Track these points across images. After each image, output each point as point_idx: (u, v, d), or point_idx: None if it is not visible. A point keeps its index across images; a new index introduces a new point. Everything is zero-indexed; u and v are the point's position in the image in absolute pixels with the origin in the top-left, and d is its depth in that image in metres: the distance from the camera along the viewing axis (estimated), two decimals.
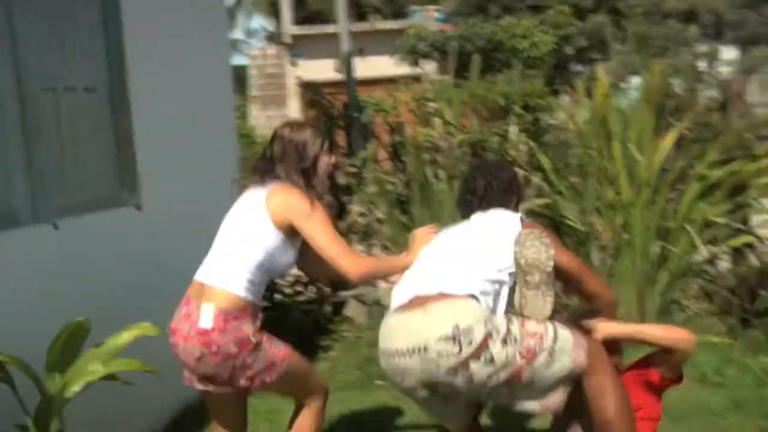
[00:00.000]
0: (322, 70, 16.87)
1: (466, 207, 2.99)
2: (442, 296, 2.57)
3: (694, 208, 5.06)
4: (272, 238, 2.71)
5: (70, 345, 2.76)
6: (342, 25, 5.68)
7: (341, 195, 5.79)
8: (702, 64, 11.63)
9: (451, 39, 12.68)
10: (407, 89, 5.97)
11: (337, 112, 5.72)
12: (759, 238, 5.16)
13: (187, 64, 4.14)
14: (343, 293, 5.73)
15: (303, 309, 5.59)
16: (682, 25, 11.78)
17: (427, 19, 15.96)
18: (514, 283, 2.68)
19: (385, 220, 5.62)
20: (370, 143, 5.84)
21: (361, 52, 15.24)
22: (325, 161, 2.85)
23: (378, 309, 5.81)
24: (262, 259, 2.71)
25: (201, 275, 2.77)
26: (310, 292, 5.76)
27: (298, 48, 17.44)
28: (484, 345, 2.48)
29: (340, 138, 5.85)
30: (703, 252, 4.97)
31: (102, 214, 3.53)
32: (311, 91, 5.81)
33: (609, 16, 12.93)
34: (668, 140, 5.12)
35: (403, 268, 2.83)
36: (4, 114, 3.00)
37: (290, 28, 17.17)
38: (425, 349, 2.50)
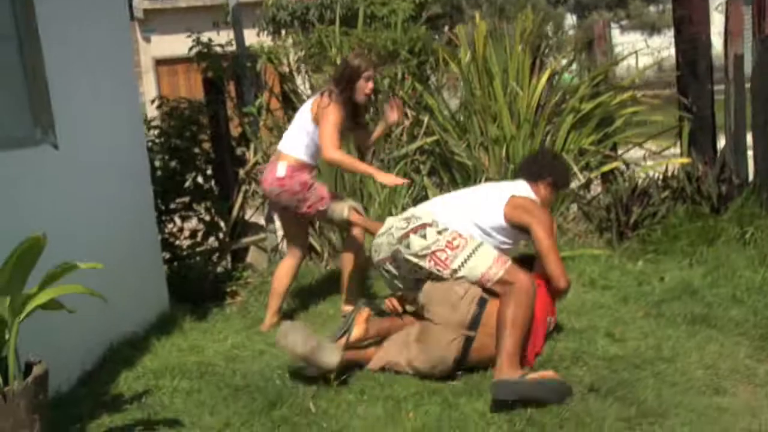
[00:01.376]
0: (178, 45, 16.55)
1: (516, 172, 3.94)
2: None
3: (569, 139, 5.54)
4: (311, 126, 4.16)
5: (22, 263, 2.76)
6: None
7: (238, 144, 5.87)
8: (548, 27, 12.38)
9: (311, 8, 12.80)
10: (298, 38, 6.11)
11: (226, 63, 5.76)
12: (626, 162, 5.72)
13: (89, 8, 4.12)
14: (244, 240, 5.83)
15: (204, 259, 5.64)
16: None
17: None
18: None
19: None
20: (262, 92, 5.93)
21: (216, 25, 15.13)
22: (362, 84, 4.12)
23: (276, 255, 5.96)
24: (308, 138, 4.19)
25: (280, 145, 4.30)
26: (209, 244, 5.82)
27: (151, 23, 16.98)
28: (422, 226, 3.48)
29: (231, 88, 5.89)
30: (580, 177, 5.45)
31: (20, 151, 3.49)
32: (200, 44, 5.79)
33: None
34: (543, 78, 5.57)
35: (364, 172, 4.30)
36: None
37: (142, 3, 16.66)
38: (390, 227, 3.65)
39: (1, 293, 2.78)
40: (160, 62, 16.97)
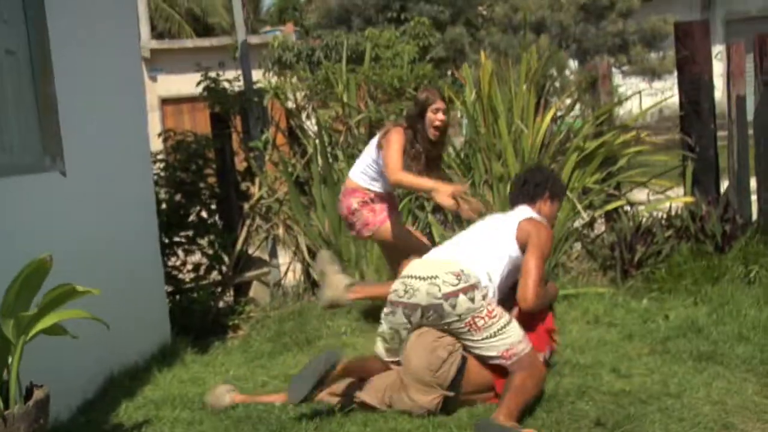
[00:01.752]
0: (183, 84, 16.71)
1: (510, 201, 3.87)
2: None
3: (573, 177, 5.56)
4: (375, 152, 4.23)
5: (28, 284, 2.75)
6: (236, 11, 5.81)
7: (243, 178, 5.90)
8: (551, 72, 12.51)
9: (316, 49, 12.97)
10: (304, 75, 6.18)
11: (233, 98, 5.82)
12: (629, 202, 5.73)
13: (100, 35, 4.18)
14: (247, 274, 5.83)
15: (207, 293, 5.62)
16: (533, 35, 12.65)
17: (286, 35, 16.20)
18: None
19: (286, 201, 5.77)
20: (269, 128, 5.98)
21: (222, 65, 15.31)
22: (430, 115, 4.15)
23: (279, 290, 5.95)
24: (366, 163, 4.32)
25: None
26: (212, 278, 5.81)
27: (157, 63, 17.17)
28: (472, 288, 3.31)
29: (237, 123, 5.94)
30: (583, 216, 5.46)
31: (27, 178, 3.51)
32: (208, 78, 5.86)
33: (466, 27, 13.69)
34: (547, 117, 5.61)
35: (428, 190, 3.98)
36: None
37: (148, 43, 16.88)
38: (436, 277, 3.33)
39: (7, 315, 2.77)
40: (165, 101, 17.13)
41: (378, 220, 4.33)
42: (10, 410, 2.67)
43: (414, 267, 3.47)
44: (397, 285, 3.45)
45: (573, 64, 14.23)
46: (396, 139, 4.07)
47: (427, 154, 4.22)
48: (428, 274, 3.35)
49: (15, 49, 3.57)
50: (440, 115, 4.17)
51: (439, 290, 3.29)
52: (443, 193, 3.81)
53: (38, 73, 3.67)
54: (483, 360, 3.37)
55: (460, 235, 3.73)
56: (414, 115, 4.20)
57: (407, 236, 4.47)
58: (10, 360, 2.78)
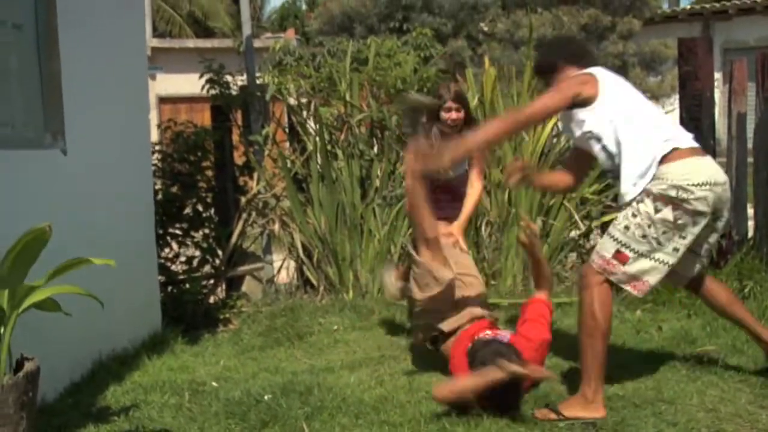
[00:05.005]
0: (182, 84, 16.66)
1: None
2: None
3: None
4: None
5: (26, 255, 2.72)
6: (244, 6, 5.82)
7: (241, 172, 5.88)
8: None
9: (317, 55, 12.97)
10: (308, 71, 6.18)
11: (235, 92, 5.81)
12: None
13: (108, 18, 4.17)
14: (240, 269, 5.79)
15: (198, 285, 5.59)
16: (534, 53, 12.68)
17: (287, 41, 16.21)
18: None
19: (283, 197, 5.75)
20: (269, 123, 5.96)
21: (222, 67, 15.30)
22: (443, 114, 4.15)
23: (272, 286, 5.92)
24: None
25: None
26: (205, 271, 5.78)
27: (157, 61, 17.13)
28: None
29: (238, 117, 5.93)
30: (581, 226, 5.46)
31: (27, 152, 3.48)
32: (211, 71, 5.84)
33: (467, 41, 13.74)
34: (549, 125, 5.62)
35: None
36: None
37: (150, 40, 16.85)
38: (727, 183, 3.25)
39: (1, 285, 2.73)
40: (163, 100, 17.07)
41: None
42: None
43: (717, 171, 3.27)
44: (711, 192, 3.16)
45: None
46: (413, 146, 4.12)
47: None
48: (725, 180, 3.30)
49: (22, 23, 3.55)
50: (452, 114, 4.16)
51: (728, 196, 3.32)
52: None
53: (44, 49, 3.65)
54: None
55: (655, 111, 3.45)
56: (432, 111, 4.24)
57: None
58: (2, 331, 2.75)
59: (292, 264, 5.91)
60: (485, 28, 14.50)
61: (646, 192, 3.15)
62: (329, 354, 4.37)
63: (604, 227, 5.75)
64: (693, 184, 3.13)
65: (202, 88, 5.87)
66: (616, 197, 5.71)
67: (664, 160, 3.16)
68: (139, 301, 4.53)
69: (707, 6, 16.89)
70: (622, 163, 3.21)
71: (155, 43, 16.99)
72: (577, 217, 5.39)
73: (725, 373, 3.68)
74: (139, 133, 4.64)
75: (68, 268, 2.80)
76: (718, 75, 15.32)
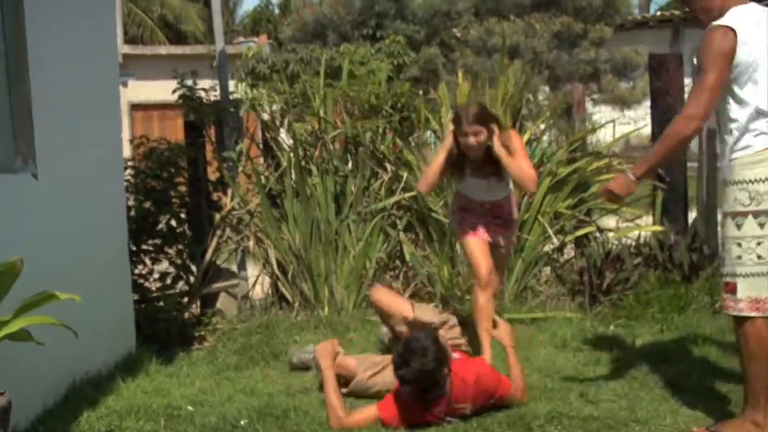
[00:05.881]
0: (154, 91, 16.53)
1: None
2: None
3: (545, 202, 5.60)
4: None
5: None
6: (216, 20, 5.78)
7: (215, 188, 5.85)
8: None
9: (290, 62, 12.94)
10: (282, 88, 6.17)
11: (208, 108, 5.77)
12: (599, 228, 5.79)
13: (79, 38, 4.12)
14: (215, 285, 5.76)
15: (173, 303, 5.55)
16: (507, 60, 12.76)
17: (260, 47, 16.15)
18: None
19: (258, 213, 5.73)
20: (243, 139, 5.94)
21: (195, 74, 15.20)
22: (461, 139, 4.00)
23: (247, 303, 5.89)
24: None
25: None
26: (179, 287, 5.73)
27: (128, 68, 16.98)
28: None
29: (212, 133, 5.89)
30: (554, 241, 5.49)
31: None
32: (184, 86, 5.81)
33: (440, 48, 13.77)
34: (523, 140, 5.64)
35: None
36: None
37: (121, 47, 16.70)
38: None
39: None
40: (135, 107, 16.94)
41: (461, 232, 4.29)
42: None
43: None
44: None
45: (544, 90, 14.39)
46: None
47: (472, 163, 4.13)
48: None
49: None
50: (470, 140, 3.96)
51: None
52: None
53: (13, 71, 3.60)
54: None
55: None
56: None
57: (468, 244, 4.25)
58: None
59: (267, 280, 5.88)
60: (458, 35, 14.55)
61: None
62: (305, 374, 4.35)
63: (577, 242, 5.81)
64: None
65: (175, 103, 5.82)
66: (589, 212, 5.79)
67: None
68: (113, 320, 4.49)
69: (677, 12, 17.09)
70: None
71: (127, 49, 16.83)
72: (550, 231, 5.43)
73: (698, 391, 3.73)
74: (112, 148, 4.59)
75: (34, 305, 2.76)
76: (688, 81, 15.52)
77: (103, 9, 4.54)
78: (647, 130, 5.97)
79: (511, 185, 4.26)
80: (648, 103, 5.81)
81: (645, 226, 5.78)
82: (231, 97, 5.95)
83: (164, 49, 17.44)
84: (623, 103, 14.43)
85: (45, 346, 2.91)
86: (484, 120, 4.00)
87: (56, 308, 2.81)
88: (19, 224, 3.48)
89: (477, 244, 4.18)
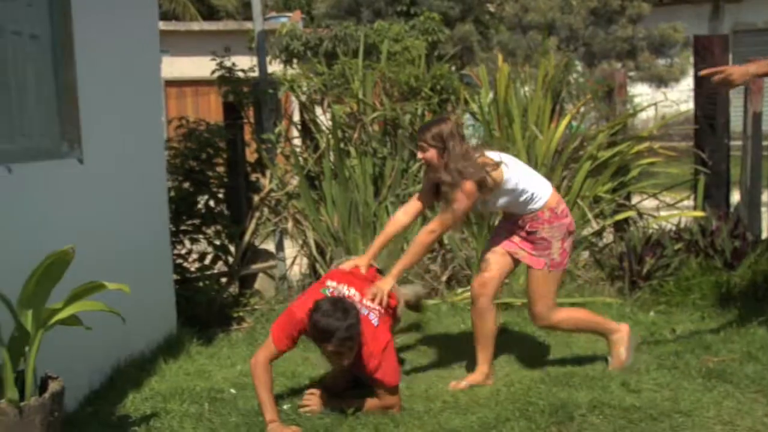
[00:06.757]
0: (187, 67, 16.59)
1: None
2: None
3: (584, 186, 5.55)
4: None
5: (49, 276, 2.73)
6: (255, 2, 5.77)
7: (254, 170, 5.87)
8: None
9: (324, 39, 12.90)
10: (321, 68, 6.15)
11: (248, 90, 5.78)
12: (640, 213, 5.73)
13: (123, 21, 4.15)
14: (253, 266, 5.80)
15: (212, 283, 5.61)
16: (542, 37, 12.62)
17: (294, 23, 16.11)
18: None
19: (296, 195, 5.74)
20: (281, 120, 5.94)
21: (228, 50, 15.22)
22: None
23: (284, 283, 5.93)
24: None
25: None
26: (218, 268, 5.78)
27: (163, 45, 17.05)
28: None
29: (250, 114, 5.90)
30: (593, 225, 5.45)
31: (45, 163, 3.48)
32: (223, 68, 5.82)
33: (475, 25, 13.64)
34: (563, 124, 5.60)
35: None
36: None
37: None
38: None
39: (25, 306, 2.76)
40: (169, 83, 17.00)
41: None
42: (26, 402, 2.66)
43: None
44: None
45: (580, 67, 14.21)
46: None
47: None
48: None
49: (39, 34, 3.54)
50: (419, 154, 3.79)
51: None
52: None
53: (60, 58, 3.64)
54: None
55: None
56: None
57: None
58: (27, 350, 2.77)
59: (305, 261, 5.91)
60: (493, 12, 14.40)
61: None
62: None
63: (617, 226, 5.75)
64: None
65: (211, 79, 5.84)
66: (629, 195, 5.73)
67: None
68: (155, 301, 4.55)
69: None
70: None
71: (161, 26, 16.83)
72: (590, 215, 5.38)
73: (741, 382, 3.70)
74: (154, 131, 4.64)
75: (84, 294, 2.82)
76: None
77: None
78: (688, 111, 5.86)
79: (535, 205, 3.86)
80: (687, 81, 5.70)
81: (686, 212, 5.70)
82: (269, 78, 5.94)
83: (197, 25, 17.47)
84: (660, 80, 14.21)
85: (91, 330, 2.98)
86: (433, 140, 3.71)
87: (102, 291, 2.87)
88: (63, 209, 3.54)
89: (488, 252, 3.97)
